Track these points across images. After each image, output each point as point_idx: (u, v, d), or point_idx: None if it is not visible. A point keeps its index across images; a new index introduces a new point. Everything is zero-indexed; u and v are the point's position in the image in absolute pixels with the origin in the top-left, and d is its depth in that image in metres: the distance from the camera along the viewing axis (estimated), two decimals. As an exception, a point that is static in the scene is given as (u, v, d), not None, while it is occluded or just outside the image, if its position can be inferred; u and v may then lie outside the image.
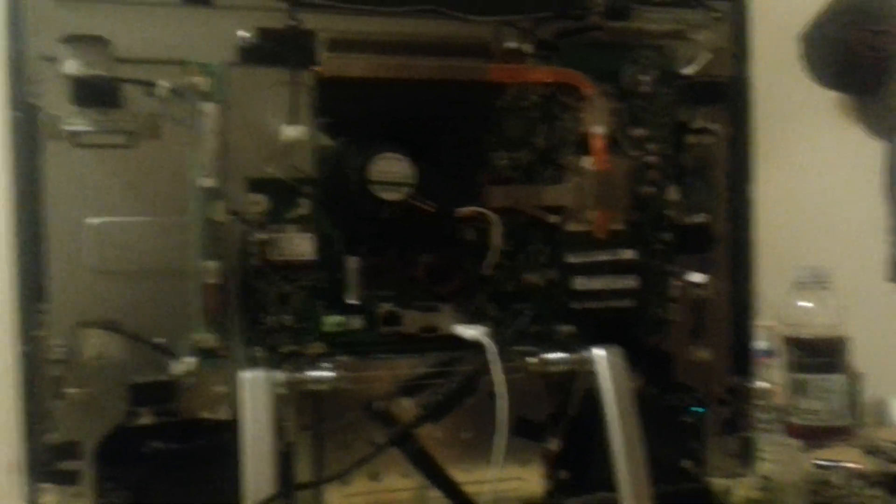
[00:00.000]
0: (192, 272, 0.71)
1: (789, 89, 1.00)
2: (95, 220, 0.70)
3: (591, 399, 0.76)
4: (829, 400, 1.14)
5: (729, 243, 0.84)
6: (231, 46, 0.72)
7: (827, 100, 1.17)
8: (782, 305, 1.15)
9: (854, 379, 1.18)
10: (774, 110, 0.93)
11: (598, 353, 0.76)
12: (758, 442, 0.87)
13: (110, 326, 0.71)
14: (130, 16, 0.70)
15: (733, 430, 0.84)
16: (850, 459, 0.99)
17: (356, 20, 0.74)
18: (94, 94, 0.69)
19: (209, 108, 0.70)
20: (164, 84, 0.70)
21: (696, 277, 0.81)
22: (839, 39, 1.27)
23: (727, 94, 0.82)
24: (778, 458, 0.93)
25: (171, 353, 0.71)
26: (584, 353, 0.76)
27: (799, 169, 1.10)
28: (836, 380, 1.14)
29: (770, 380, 1.14)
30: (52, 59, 0.69)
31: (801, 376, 1.16)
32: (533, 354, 0.76)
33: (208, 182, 0.71)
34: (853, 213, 1.19)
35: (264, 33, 0.72)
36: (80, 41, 0.69)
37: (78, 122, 0.69)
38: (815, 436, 1.13)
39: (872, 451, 1.06)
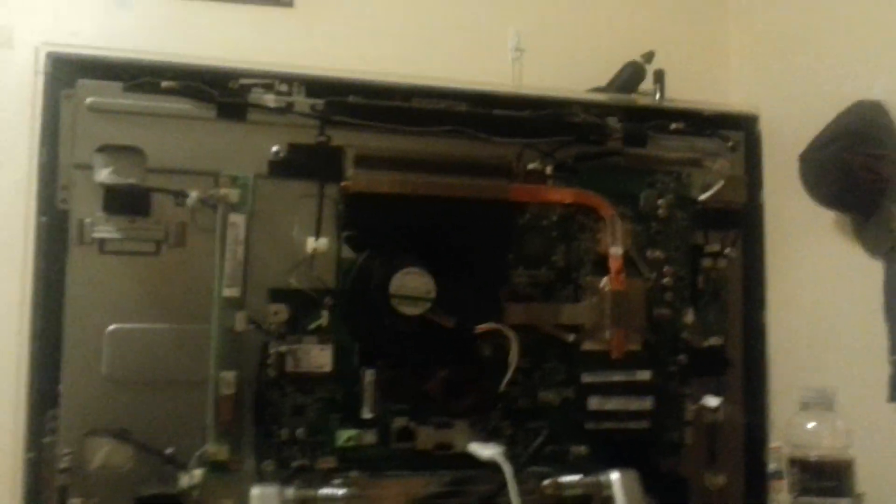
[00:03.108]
0: (207, 382, 0.70)
1: (798, 212, 1.03)
2: (114, 327, 0.70)
3: (606, 523, 0.75)
4: (835, 524, 1.12)
5: (742, 367, 0.84)
6: (262, 159, 0.74)
7: (831, 220, 1.19)
8: (788, 426, 1.15)
9: (858, 502, 1.16)
10: (784, 232, 0.95)
11: (614, 476, 0.75)
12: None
13: (120, 435, 0.69)
14: (166, 128, 0.72)
15: (747, 559, 0.83)
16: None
17: (383, 138, 0.76)
18: (126, 202, 0.70)
19: (237, 218, 0.71)
20: (194, 194, 0.71)
21: (711, 401, 0.81)
22: (838, 161, 1.31)
23: (740, 219, 0.84)
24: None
25: (180, 464, 0.70)
26: (600, 477, 0.75)
27: (807, 289, 1.12)
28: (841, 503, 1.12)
29: (780, 502, 1.12)
30: (84, 168, 0.70)
31: (807, 500, 1.14)
32: (548, 476, 0.75)
33: (231, 291, 0.71)
34: (858, 332, 1.20)
35: (294, 148, 0.74)
36: (115, 151, 0.70)
37: (106, 229, 0.70)
38: (822, 561, 1.10)
39: (881, 579, 1.03)
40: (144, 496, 0.69)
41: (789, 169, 0.99)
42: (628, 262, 0.80)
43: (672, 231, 0.82)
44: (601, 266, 0.80)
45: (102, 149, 0.70)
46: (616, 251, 0.79)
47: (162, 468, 0.70)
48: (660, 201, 0.82)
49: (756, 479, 0.84)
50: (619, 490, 0.74)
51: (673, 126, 0.83)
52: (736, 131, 0.86)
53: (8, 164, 0.97)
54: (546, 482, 0.74)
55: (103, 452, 0.69)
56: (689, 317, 0.82)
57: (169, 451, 0.70)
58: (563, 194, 0.80)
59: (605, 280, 0.79)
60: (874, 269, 1.23)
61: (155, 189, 0.71)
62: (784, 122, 0.91)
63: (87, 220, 0.70)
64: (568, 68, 1.19)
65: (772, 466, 1.16)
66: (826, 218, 1.17)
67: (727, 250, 0.83)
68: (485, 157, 0.78)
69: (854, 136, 1.33)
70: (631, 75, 1.02)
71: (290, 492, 0.69)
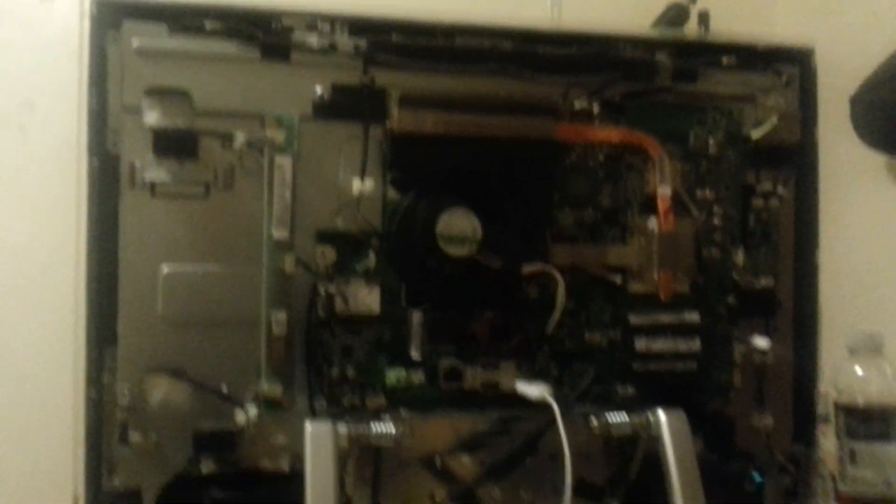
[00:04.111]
0: (259, 322, 0.71)
1: (852, 152, 1.00)
2: (167, 268, 0.71)
3: (653, 461, 0.75)
4: (881, 469, 1.11)
5: (793, 309, 0.83)
6: (306, 101, 0.73)
7: (884, 162, 1.16)
8: (835, 371, 1.13)
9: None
10: (837, 173, 0.92)
11: (661, 415, 0.75)
12: (814, 511, 0.85)
13: (177, 374, 0.71)
14: (211, 70, 0.72)
15: (794, 500, 0.83)
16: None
17: (427, 78, 0.75)
18: (174, 145, 0.70)
19: (283, 160, 0.71)
20: (240, 137, 0.71)
21: (761, 343, 0.80)
22: (889, 103, 1.27)
23: (794, 158, 0.82)
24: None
25: (235, 401, 0.71)
26: (647, 416, 0.75)
27: (860, 231, 1.09)
28: (888, 449, 1.11)
29: (824, 447, 1.11)
30: (134, 111, 0.70)
31: (852, 444, 1.13)
32: (595, 415, 0.75)
33: (279, 233, 0.71)
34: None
35: (338, 89, 0.74)
36: (163, 94, 0.70)
37: (156, 172, 0.70)
38: (867, 506, 1.09)
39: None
40: (202, 432, 0.71)
41: (842, 107, 0.96)
42: (677, 202, 0.79)
43: (722, 170, 0.81)
44: (649, 206, 0.79)
45: (150, 92, 0.70)
46: (664, 191, 0.78)
47: (218, 405, 0.71)
48: (710, 139, 0.80)
49: (804, 421, 0.83)
50: (665, 429, 0.74)
51: (725, 60, 0.81)
52: (790, 66, 0.83)
53: (54, 114, 0.97)
54: (593, 421, 0.75)
55: (161, 390, 0.71)
56: (739, 258, 0.80)
57: (223, 389, 0.72)
58: (610, 134, 0.78)
59: (652, 221, 0.78)
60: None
61: (202, 132, 0.71)
62: (837, 59, 0.88)
63: (138, 164, 0.71)
64: (608, 10, 1.16)
65: (820, 409, 1.15)
66: (881, 159, 1.14)
67: (779, 190, 0.81)
68: (530, 96, 0.77)
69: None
70: (675, 16, 0.99)
71: (343, 427, 0.70)
